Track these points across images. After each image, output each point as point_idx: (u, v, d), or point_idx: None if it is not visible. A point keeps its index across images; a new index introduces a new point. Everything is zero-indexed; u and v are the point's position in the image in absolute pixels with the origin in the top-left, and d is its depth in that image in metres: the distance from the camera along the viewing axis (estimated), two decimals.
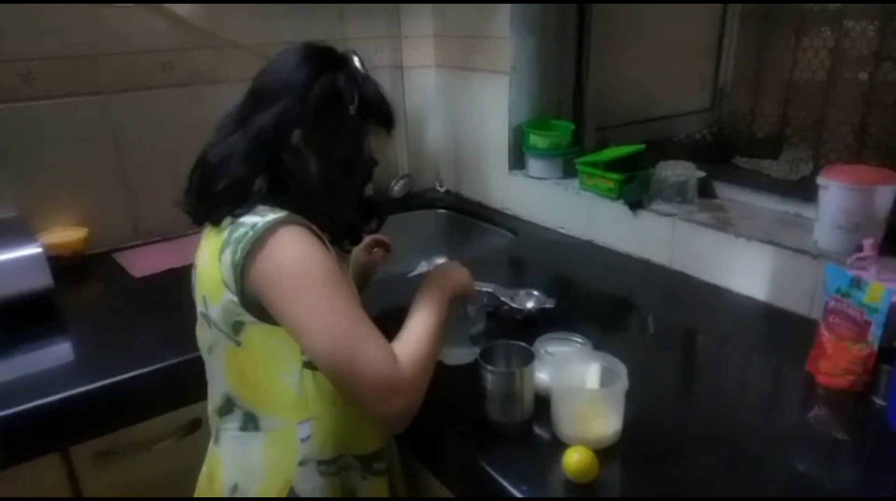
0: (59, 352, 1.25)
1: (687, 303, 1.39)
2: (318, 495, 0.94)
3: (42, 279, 1.31)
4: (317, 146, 0.92)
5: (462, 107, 1.98)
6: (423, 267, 1.96)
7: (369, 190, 1.05)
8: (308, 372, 0.91)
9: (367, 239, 1.27)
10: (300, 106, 0.91)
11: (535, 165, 1.79)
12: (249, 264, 0.84)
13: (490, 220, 1.91)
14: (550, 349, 1.06)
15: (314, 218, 0.91)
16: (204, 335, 0.95)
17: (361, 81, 0.96)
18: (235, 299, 0.86)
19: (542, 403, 0.98)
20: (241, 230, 0.86)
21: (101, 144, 1.60)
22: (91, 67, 1.54)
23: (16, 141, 1.50)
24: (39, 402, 1.06)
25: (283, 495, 0.92)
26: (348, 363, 0.82)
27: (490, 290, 1.30)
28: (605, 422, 0.93)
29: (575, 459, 0.87)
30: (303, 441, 0.92)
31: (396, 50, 2.01)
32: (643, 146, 1.65)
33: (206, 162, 0.93)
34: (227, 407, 0.95)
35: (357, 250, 1.27)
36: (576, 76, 1.87)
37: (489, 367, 0.94)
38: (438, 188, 2.16)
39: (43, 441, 1.09)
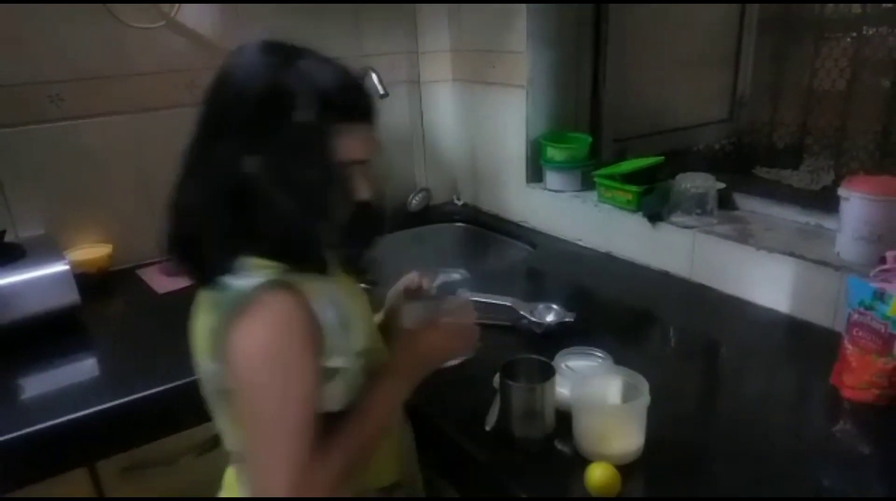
0: (85, 368, 1.27)
1: (708, 316, 1.38)
2: None
3: (69, 296, 1.33)
4: (282, 178, 0.81)
5: (479, 121, 1.99)
6: (440, 279, 1.96)
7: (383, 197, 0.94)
8: None
9: (402, 281, 1.13)
10: (253, 137, 0.80)
11: (552, 177, 1.80)
12: (230, 333, 0.79)
13: (508, 233, 1.92)
14: (571, 363, 1.05)
15: (301, 257, 0.84)
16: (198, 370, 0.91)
17: (316, 77, 0.81)
18: (218, 367, 0.82)
19: (564, 418, 0.97)
20: (227, 295, 0.81)
21: (126, 162, 1.63)
22: (116, 87, 1.58)
23: (45, 161, 1.53)
24: (67, 417, 1.08)
25: None
26: (256, 467, 0.81)
27: (509, 304, 1.30)
28: (627, 438, 0.92)
29: (597, 475, 0.86)
30: None
31: (413, 65, 2.03)
32: (661, 158, 1.64)
33: (173, 216, 0.87)
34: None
35: (392, 292, 1.13)
36: (592, 89, 1.87)
37: (510, 382, 0.95)
38: (456, 202, 2.17)
39: (71, 455, 1.11)
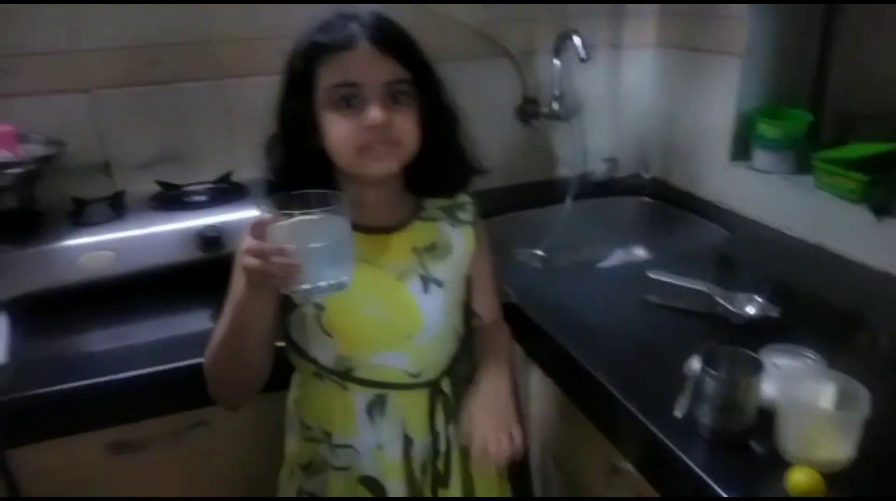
0: None
1: None
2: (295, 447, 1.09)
3: None
4: (277, 117, 0.99)
5: (682, 90, 1.88)
6: (618, 257, 1.91)
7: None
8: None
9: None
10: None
11: (762, 156, 1.65)
12: None
13: (701, 212, 1.80)
14: (778, 361, 0.99)
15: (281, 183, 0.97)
16: None
17: (310, 26, 0.95)
18: None
19: (763, 416, 0.91)
20: None
21: None
22: None
23: (245, 111, 1.65)
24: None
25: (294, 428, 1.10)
26: None
27: (704, 290, 1.24)
28: (837, 446, 0.85)
29: (801, 479, 0.82)
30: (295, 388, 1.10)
31: (616, 28, 1.95)
32: None
33: None
34: None
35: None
36: (818, 62, 1.68)
37: (712, 372, 0.90)
38: (643, 175, 2.08)
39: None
